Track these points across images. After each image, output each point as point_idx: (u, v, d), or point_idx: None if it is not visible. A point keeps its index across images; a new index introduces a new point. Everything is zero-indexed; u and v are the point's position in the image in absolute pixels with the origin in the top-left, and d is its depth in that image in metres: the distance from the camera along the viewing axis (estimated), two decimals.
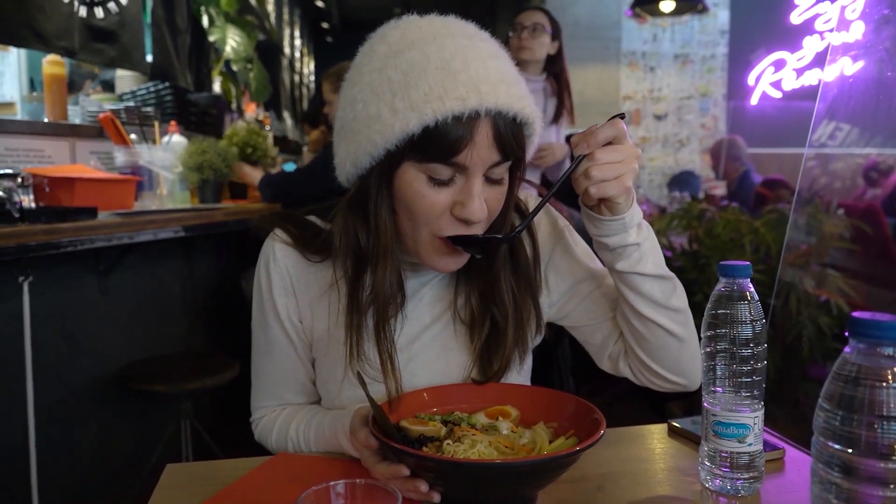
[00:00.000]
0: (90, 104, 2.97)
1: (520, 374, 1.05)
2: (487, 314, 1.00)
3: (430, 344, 1.02)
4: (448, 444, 0.82)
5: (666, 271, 0.97)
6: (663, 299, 0.96)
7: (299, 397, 1.09)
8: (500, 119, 0.84)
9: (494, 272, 0.99)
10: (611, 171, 0.86)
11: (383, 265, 0.92)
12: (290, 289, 1.03)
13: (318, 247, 1.00)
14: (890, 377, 0.56)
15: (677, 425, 1.05)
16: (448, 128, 0.82)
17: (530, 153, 0.94)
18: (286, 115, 7.64)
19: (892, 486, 0.56)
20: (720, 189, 5.51)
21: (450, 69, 0.83)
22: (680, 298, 0.99)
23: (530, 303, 1.03)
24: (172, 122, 3.01)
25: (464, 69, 0.83)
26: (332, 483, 0.65)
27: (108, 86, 3.60)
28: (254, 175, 3.00)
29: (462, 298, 1.03)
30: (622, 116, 0.89)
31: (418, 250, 0.92)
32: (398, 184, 0.88)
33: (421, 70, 0.83)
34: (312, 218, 1.06)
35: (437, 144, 0.83)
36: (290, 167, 3.12)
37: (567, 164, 2.61)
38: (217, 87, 4.47)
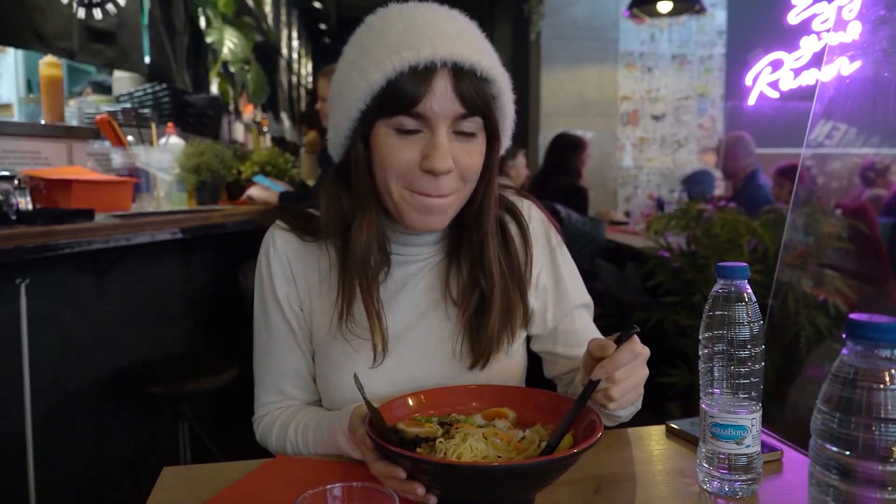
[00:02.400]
0: (87, 106, 2.97)
1: (508, 355, 1.07)
2: (477, 287, 1.03)
3: (427, 331, 1.05)
4: (441, 441, 0.81)
5: (637, 407, 1.03)
6: (626, 417, 1.04)
7: (301, 392, 1.10)
8: (458, 71, 0.90)
9: (483, 242, 1.03)
10: (630, 385, 0.86)
11: (360, 221, 0.98)
12: (290, 275, 1.07)
13: (313, 228, 1.06)
14: (888, 379, 0.56)
15: (675, 427, 1.04)
16: (406, 79, 0.88)
17: (506, 117, 0.99)
18: (284, 116, 7.64)
19: (889, 489, 0.55)
20: (720, 189, 5.48)
21: (411, 28, 0.90)
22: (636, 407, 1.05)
23: (517, 290, 1.07)
24: (170, 124, 3.01)
25: (424, 28, 0.90)
26: (328, 486, 0.65)
27: (100, 88, 3.59)
28: (267, 196, 3.01)
29: (454, 277, 1.06)
30: (637, 331, 0.86)
31: (397, 209, 0.97)
32: (373, 144, 0.94)
33: (385, 34, 0.91)
34: (311, 211, 1.10)
35: (399, 96, 0.89)
36: (260, 179, 3.13)
37: None
38: (215, 88, 4.47)
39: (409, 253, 1.06)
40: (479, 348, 1.03)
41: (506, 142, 1.03)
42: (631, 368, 0.85)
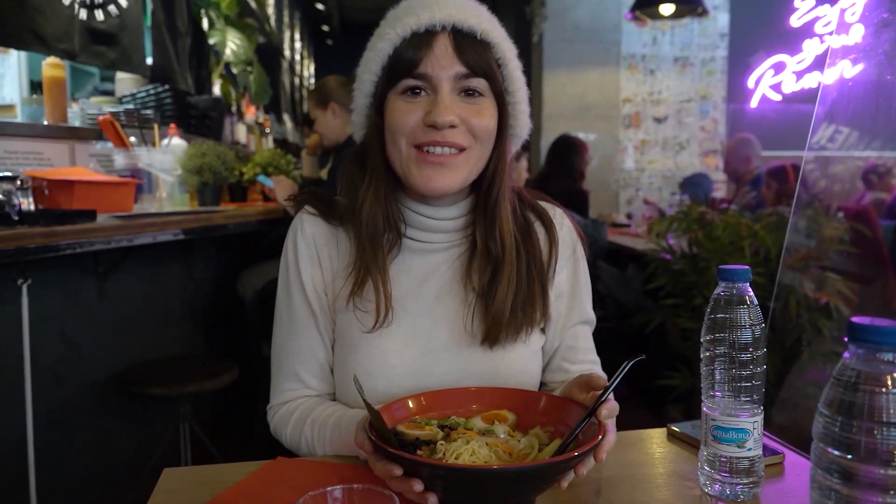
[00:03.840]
0: (90, 107, 2.97)
1: (527, 345, 1.08)
2: (490, 258, 1.05)
3: (447, 317, 1.06)
4: (442, 444, 0.81)
5: None
6: None
7: (318, 381, 1.11)
8: (458, 34, 0.96)
9: (495, 207, 1.05)
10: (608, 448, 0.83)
11: (368, 184, 1.03)
12: (316, 259, 1.09)
13: (340, 213, 1.09)
14: (890, 383, 0.56)
15: (676, 429, 1.04)
16: (409, 44, 0.96)
17: (517, 87, 1.03)
18: (286, 117, 7.65)
19: (892, 493, 0.55)
20: (721, 191, 5.47)
21: (415, 4, 0.98)
22: None
23: (538, 282, 1.08)
24: (172, 125, 3.00)
25: (429, 2, 0.97)
26: (329, 488, 0.65)
27: (105, 94, 3.59)
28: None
29: (476, 266, 1.07)
30: (640, 358, 0.85)
31: (405, 171, 1.00)
32: (386, 114, 1.00)
33: (394, 17, 0.99)
34: (338, 198, 1.12)
35: (403, 60, 0.96)
36: (263, 179, 3.14)
37: None
38: (217, 89, 4.47)
39: (432, 240, 1.08)
40: (489, 321, 1.03)
41: (522, 118, 1.06)
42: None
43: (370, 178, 1.03)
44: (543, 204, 1.17)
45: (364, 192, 1.03)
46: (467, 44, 0.96)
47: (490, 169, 1.05)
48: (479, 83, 0.98)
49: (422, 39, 0.95)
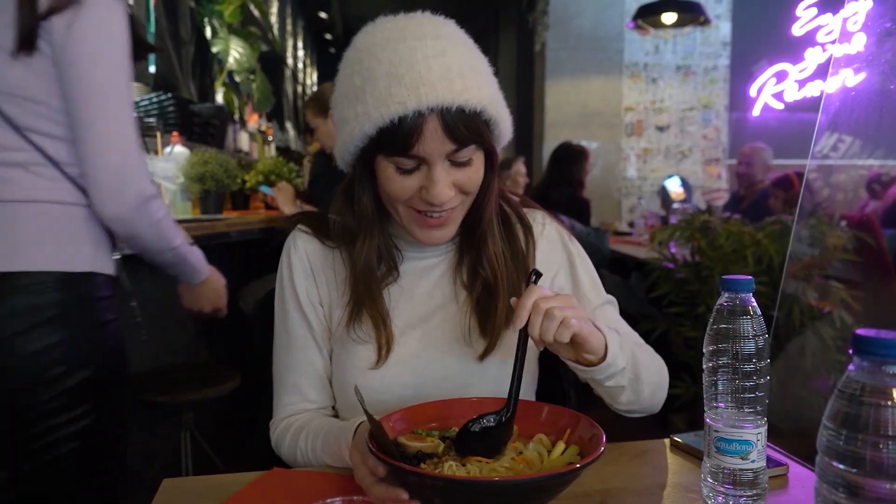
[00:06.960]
0: None
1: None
2: (479, 277, 1.08)
3: (441, 322, 1.09)
4: (451, 464, 0.81)
5: (649, 375, 1.03)
6: (636, 397, 1.03)
7: (318, 393, 1.12)
8: (446, 112, 0.92)
9: (483, 235, 1.07)
10: (551, 323, 0.85)
11: (362, 240, 1.05)
12: (309, 272, 1.11)
13: (333, 234, 1.11)
14: (895, 396, 0.55)
15: (680, 440, 1.04)
16: (397, 127, 0.92)
17: (502, 128, 1.01)
18: (289, 125, 7.67)
19: None
20: (723, 199, 5.46)
21: (395, 74, 0.92)
22: (649, 387, 1.04)
23: (521, 272, 1.10)
24: (175, 133, 3.01)
25: (407, 73, 0.92)
26: (328, 500, 0.64)
27: None
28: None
29: (464, 270, 1.11)
30: (537, 274, 0.92)
31: (404, 225, 1.03)
32: (377, 172, 0.99)
33: (373, 78, 0.94)
34: (333, 217, 1.13)
35: (393, 141, 0.93)
36: (265, 189, 3.16)
37: None
38: (220, 97, 4.48)
39: (424, 251, 1.11)
40: (488, 335, 1.06)
41: (506, 139, 1.06)
42: (541, 309, 0.85)
43: (364, 234, 1.05)
44: (524, 210, 1.17)
45: (360, 246, 1.05)
46: (457, 121, 0.92)
47: (478, 201, 1.06)
48: (470, 150, 0.97)
49: (410, 123, 0.91)
